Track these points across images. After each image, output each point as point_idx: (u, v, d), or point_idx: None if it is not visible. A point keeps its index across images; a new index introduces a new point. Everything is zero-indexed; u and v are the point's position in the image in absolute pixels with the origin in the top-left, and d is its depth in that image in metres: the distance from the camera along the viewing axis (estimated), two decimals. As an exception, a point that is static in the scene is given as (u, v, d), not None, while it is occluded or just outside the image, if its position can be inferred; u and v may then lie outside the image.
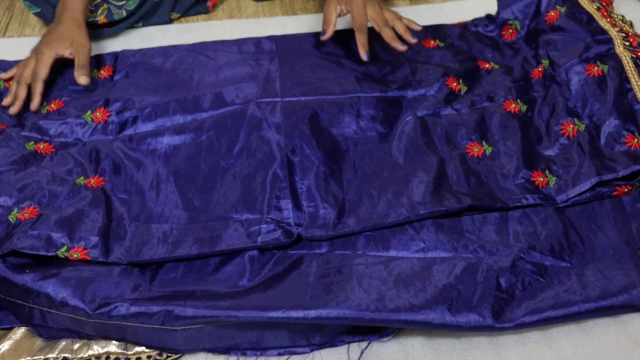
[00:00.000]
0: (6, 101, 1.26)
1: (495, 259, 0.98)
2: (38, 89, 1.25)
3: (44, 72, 1.25)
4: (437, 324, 0.91)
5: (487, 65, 1.32)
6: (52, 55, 1.26)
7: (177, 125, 1.20)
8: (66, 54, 1.27)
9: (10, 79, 1.32)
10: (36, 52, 1.28)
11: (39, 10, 1.42)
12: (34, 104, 1.25)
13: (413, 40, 1.28)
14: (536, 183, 1.09)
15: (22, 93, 1.26)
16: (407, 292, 0.93)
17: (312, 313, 0.90)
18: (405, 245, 1.01)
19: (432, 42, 1.38)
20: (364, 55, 1.26)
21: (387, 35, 1.26)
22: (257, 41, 1.37)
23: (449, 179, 1.09)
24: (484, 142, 1.16)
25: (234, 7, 1.59)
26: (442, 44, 1.37)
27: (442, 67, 1.30)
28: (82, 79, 1.27)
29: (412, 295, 0.93)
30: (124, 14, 1.42)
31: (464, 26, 1.41)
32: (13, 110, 1.25)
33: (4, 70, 1.35)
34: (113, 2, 1.41)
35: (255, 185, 1.09)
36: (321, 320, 0.90)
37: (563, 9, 1.32)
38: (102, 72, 1.34)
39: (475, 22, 1.42)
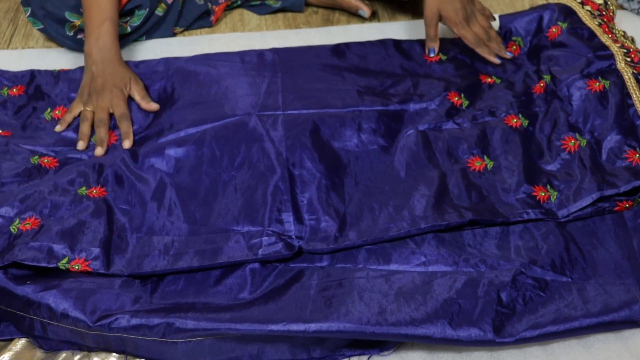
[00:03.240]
0: (81, 145, 1.22)
1: (496, 273, 0.98)
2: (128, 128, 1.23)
3: (126, 127, 1.23)
4: (438, 338, 0.91)
5: (489, 80, 1.32)
6: (126, 94, 1.27)
7: (179, 138, 1.20)
8: (132, 93, 1.28)
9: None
10: (96, 92, 1.25)
11: (42, 27, 1.42)
12: (99, 152, 1.20)
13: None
14: (537, 198, 1.09)
15: (106, 136, 1.22)
16: (408, 306, 0.93)
17: (313, 326, 0.90)
18: (407, 259, 1.01)
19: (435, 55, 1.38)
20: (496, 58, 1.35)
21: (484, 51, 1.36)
22: (259, 53, 1.38)
23: (451, 193, 1.09)
24: (485, 157, 1.16)
25: (237, 21, 1.59)
26: (445, 57, 1.38)
27: (443, 81, 1.31)
28: (152, 106, 1.27)
29: (413, 309, 0.93)
30: (128, 29, 1.43)
31: (467, 40, 1.42)
32: (100, 152, 1.20)
33: (7, 79, 1.35)
34: None
35: (257, 197, 1.09)
36: (322, 333, 0.90)
37: (564, 25, 1.33)
38: None
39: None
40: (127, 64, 1.37)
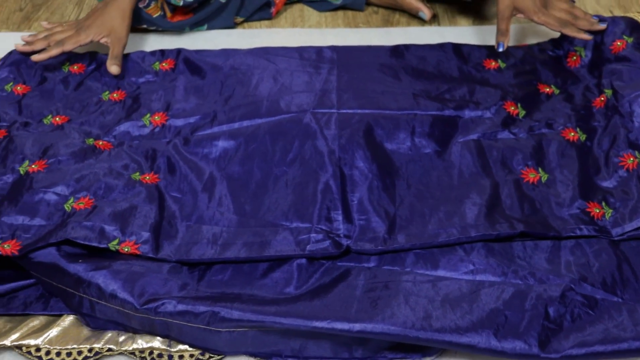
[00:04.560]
0: (21, 47, 1.35)
1: (545, 287, 0.96)
2: (54, 53, 1.31)
3: (69, 47, 1.32)
4: (482, 348, 0.90)
5: (548, 89, 1.30)
6: (87, 40, 1.33)
7: (233, 129, 1.21)
8: (102, 41, 1.34)
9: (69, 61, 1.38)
10: (78, 27, 1.34)
11: None
12: (38, 57, 1.31)
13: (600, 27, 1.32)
14: (591, 214, 1.07)
15: (39, 45, 1.33)
16: (453, 313, 0.92)
17: (357, 326, 0.90)
18: (455, 266, 1.00)
19: (494, 63, 1.37)
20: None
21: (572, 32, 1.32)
22: (318, 49, 1.38)
23: (503, 203, 1.08)
24: (540, 169, 1.14)
25: (297, 16, 1.60)
26: (504, 65, 1.36)
27: (500, 90, 1.29)
28: (113, 68, 1.33)
29: (459, 316, 0.92)
30: (181, 3, 1.43)
31: (527, 48, 1.40)
32: (22, 48, 1.35)
33: (68, 56, 1.38)
34: None
35: (307, 194, 1.10)
36: (365, 334, 0.90)
37: (630, 40, 1.30)
38: (163, 64, 1.37)
39: (540, 45, 1.41)
40: (188, 50, 1.38)
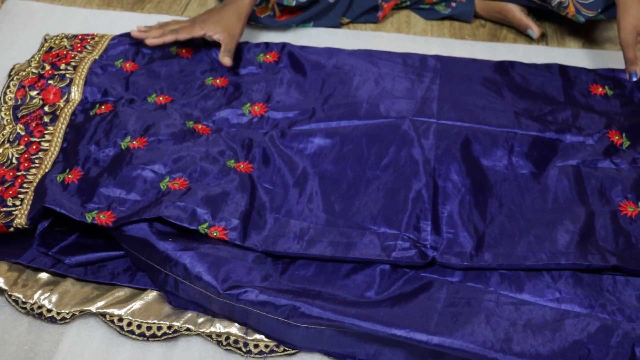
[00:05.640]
0: (136, 34, 1.38)
1: (634, 326, 0.93)
2: (168, 39, 1.35)
3: (184, 37, 1.36)
4: (561, 379, 0.88)
5: (655, 123, 1.26)
6: (201, 33, 1.37)
7: (330, 128, 1.22)
8: (214, 37, 1.37)
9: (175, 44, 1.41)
10: (193, 21, 1.38)
11: None
12: (153, 41, 1.35)
13: None
14: (691, 257, 1.03)
15: (154, 34, 1.37)
16: (534, 340, 0.91)
17: (436, 339, 0.89)
18: (540, 291, 0.98)
19: (601, 89, 1.33)
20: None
21: None
22: (422, 57, 1.37)
23: (597, 233, 1.05)
24: (639, 203, 1.11)
25: (402, 22, 1.59)
26: (611, 92, 1.32)
27: (605, 117, 1.25)
28: (226, 60, 1.35)
29: (540, 343, 0.90)
30: (294, 3, 1.45)
31: (639, 78, 1.36)
32: (136, 34, 1.38)
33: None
34: None
35: (398, 201, 1.09)
36: (443, 348, 0.90)
37: None
38: (267, 56, 1.39)
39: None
40: (292, 45, 1.40)
